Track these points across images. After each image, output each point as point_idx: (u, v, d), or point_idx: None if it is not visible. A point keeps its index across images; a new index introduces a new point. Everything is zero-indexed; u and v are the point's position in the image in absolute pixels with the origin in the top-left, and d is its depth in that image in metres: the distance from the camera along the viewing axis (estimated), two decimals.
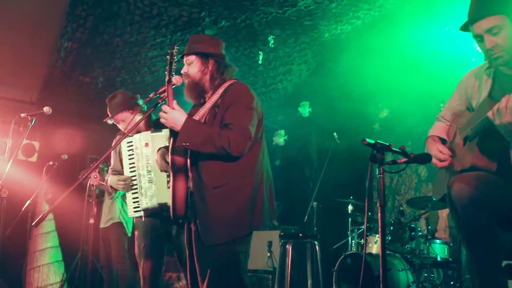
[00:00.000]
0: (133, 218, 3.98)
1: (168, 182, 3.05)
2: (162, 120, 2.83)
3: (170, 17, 5.64)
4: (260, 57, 6.58)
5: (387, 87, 6.60)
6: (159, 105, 2.95)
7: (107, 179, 3.99)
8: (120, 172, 4.10)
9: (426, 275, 5.12)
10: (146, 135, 3.72)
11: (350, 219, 6.26)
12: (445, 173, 2.75)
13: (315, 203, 6.69)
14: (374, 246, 5.55)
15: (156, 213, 3.64)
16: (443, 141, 2.84)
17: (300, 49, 6.71)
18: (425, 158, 2.50)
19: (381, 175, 2.40)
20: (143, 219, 3.67)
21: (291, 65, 7.11)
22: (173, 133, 2.85)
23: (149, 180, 3.60)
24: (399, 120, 6.90)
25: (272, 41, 6.26)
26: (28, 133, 4.31)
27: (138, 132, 3.89)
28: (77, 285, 6.44)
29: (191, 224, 2.88)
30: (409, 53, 6.24)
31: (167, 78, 2.89)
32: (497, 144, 2.44)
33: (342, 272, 5.45)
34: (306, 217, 6.88)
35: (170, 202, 2.88)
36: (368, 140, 2.38)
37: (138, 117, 3.97)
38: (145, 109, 4.04)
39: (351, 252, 5.68)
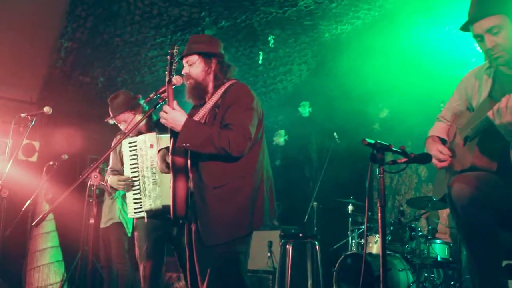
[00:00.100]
0: (133, 218, 3.97)
1: None
2: (162, 120, 2.82)
3: (170, 17, 5.64)
4: (260, 57, 6.59)
5: (387, 87, 6.60)
6: (159, 105, 2.95)
7: (107, 179, 3.99)
8: (120, 172, 4.10)
9: (426, 275, 5.12)
10: (152, 136, 3.71)
11: (350, 219, 6.26)
12: (445, 173, 2.75)
13: (315, 203, 6.69)
14: (374, 246, 5.55)
15: (158, 214, 3.64)
16: (443, 141, 2.84)
17: (300, 49, 6.71)
18: (425, 158, 2.50)
19: (381, 175, 2.40)
20: (145, 220, 3.66)
21: (291, 65, 7.11)
22: (174, 134, 2.85)
23: (154, 182, 3.60)
24: (399, 120, 6.90)
25: (272, 41, 6.26)
26: (28, 133, 4.31)
27: (140, 132, 3.89)
28: (77, 285, 6.44)
29: (191, 225, 2.88)
30: (409, 53, 6.24)
31: (167, 78, 2.89)
32: (497, 144, 2.44)
33: (343, 272, 5.45)
34: (306, 217, 6.88)
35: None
36: (368, 140, 2.38)
37: (140, 117, 3.97)
38: (147, 109, 4.04)
39: (351, 252, 5.68)
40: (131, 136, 3.87)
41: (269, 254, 6.56)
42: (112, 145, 4.17)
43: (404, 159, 2.43)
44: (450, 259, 5.15)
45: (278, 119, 8.64)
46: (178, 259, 3.80)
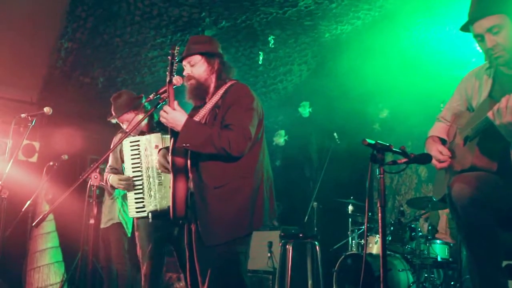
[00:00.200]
0: (133, 218, 3.97)
1: None
2: (162, 120, 2.83)
3: (170, 17, 5.64)
4: (261, 57, 6.58)
5: (387, 87, 6.60)
6: (160, 105, 2.95)
7: (108, 178, 3.97)
8: (119, 171, 4.09)
9: (426, 275, 5.12)
10: (157, 137, 3.70)
11: (350, 219, 6.26)
12: (445, 174, 2.75)
13: (315, 203, 6.69)
14: (375, 247, 5.55)
15: (159, 215, 3.63)
16: (443, 142, 2.84)
17: (301, 49, 6.71)
18: (425, 159, 2.50)
19: (382, 175, 2.40)
20: (149, 220, 3.64)
21: (291, 65, 7.11)
22: (174, 134, 2.86)
23: (159, 183, 3.59)
24: (399, 120, 6.90)
25: (272, 42, 6.26)
26: (28, 133, 4.31)
27: (142, 132, 3.89)
28: (77, 285, 6.44)
29: (191, 225, 2.88)
30: (409, 53, 6.24)
31: (168, 79, 2.89)
32: (497, 144, 2.44)
33: (343, 272, 5.45)
34: (307, 217, 6.88)
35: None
36: (369, 141, 2.38)
37: (141, 117, 3.97)
38: (149, 109, 4.03)
39: (351, 252, 5.68)
40: (133, 136, 3.87)
41: (269, 254, 6.56)
42: (112, 144, 4.18)
43: (404, 160, 2.43)
44: (450, 259, 5.15)
45: (278, 119, 8.64)
46: (178, 259, 3.80)
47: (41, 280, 6.08)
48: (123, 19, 5.63)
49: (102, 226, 5.04)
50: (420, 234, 5.19)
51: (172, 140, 2.92)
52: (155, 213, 3.62)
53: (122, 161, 4.02)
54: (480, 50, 2.60)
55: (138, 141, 3.73)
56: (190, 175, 2.86)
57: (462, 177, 2.42)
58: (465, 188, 2.34)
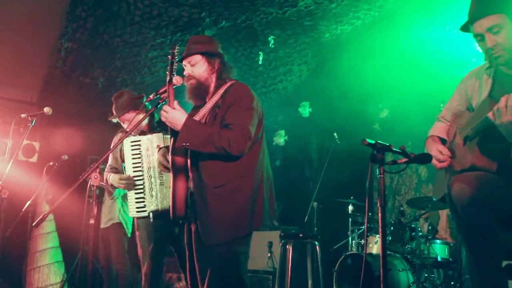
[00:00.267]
0: (133, 218, 3.96)
1: None
2: (162, 119, 2.84)
3: (170, 17, 5.64)
4: (260, 58, 6.58)
5: (387, 87, 6.60)
6: (160, 105, 2.95)
7: (108, 177, 3.97)
8: (119, 170, 4.09)
9: (426, 275, 5.12)
10: (159, 137, 3.70)
11: (350, 219, 6.26)
12: (445, 173, 2.75)
13: (315, 203, 6.69)
14: (375, 246, 5.55)
15: (161, 215, 3.62)
16: (443, 141, 2.84)
17: (300, 49, 6.71)
18: (425, 158, 2.50)
19: (382, 175, 2.40)
20: (151, 220, 3.64)
21: (291, 66, 7.11)
22: (174, 133, 2.86)
23: (161, 183, 3.58)
24: (399, 120, 6.90)
25: (272, 42, 6.26)
26: (28, 133, 4.31)
27: (143, 132, 3.88)
28: (77, 285, 6.44)
29: (191, 225, 2.88)
30: (409, 53, 6.24)
31: (168, 78, 2.89)
32: (497, 144, 2.44)
33: (343, 272, 5.45)
34: (307, 217, 6.88)
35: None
36: (369, 140, 2.38)
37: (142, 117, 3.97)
38: (150, 109, 4.03)
39: (351, 252, 5.68)
40: (134, 135, 3.87)
41: (269, 254, 6.56)
42: (113, 143, 4.17)
43: (404, 159, 2.43)
44: (450, 259, 5.15)
45: (278, 119, 8.64)
46: (178, 259, 3.79)
47: (41, 280, 6.08)
48: (123, 19, 5.63)
49: (102, 226, 5.04)
50: (420, 234, 5.19)
51: (172, 140, 2.92)
52: (156, 213, 3.61)
53: (123, 161, 4.01)
54: (480, 50, 2.60)
55: (139, 141, 3.73)
56: (190, 174, 2.86)
57: (462, 177, 2.42)
58: (465, 188, 2.33)
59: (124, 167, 3.94)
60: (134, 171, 3.74)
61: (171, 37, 6.03)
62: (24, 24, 5.71)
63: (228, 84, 2.96)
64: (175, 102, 2.83)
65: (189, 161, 2.86)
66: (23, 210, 4.77)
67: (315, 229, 6.50)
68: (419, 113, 6.08)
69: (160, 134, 3.71)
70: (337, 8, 5.69)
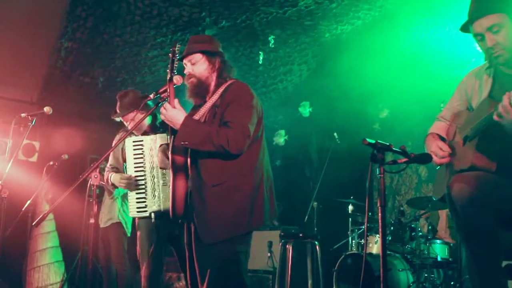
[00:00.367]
0: (134, 218, 3.95)
1: None
2: (161, 117, 2.85)
3: (170, 17, 5.64)
4: (261, 57, 6.58)
5: (387, 87, 6.60)
6: (160, 104, 2.95)
7: (109, 176, 3.96)
8: (120, 170, 4.08)
9: (426, 275, 5.12)
10: (162, 137, 3.69)
11: (350, 219, 6.26)
12: (445, 173, 2.74)
13: (315, 203, 6.68)
14: (375, 246, 5.55)
15: (163, 215, 3.61)
16: (442, 140, 2.84)
17: (301, 49, 6.71)
18: (425, 158, 2.50)
19: (382, 175, 2.40)
20: (152, 220, 3.63)
21: (291, 65, 7.10)
22: (174, 132, 2.86)
23: (164, 183, 3.57)
24: (399, 120, 6.90)
25: (272, 41, 6.26)
26: (28, 133, 4.30)
27: (145, 132, 3.88)
28: (77, 285, 6.44)
29: (191, 224, 2.88)
30: (409, 53, 6.24)
31: (168, 76, 2.89)
32: (497, 144, 2.44)
33: (343, 272, 5.45)
34: (307, 217, 6.88)
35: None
36: (369, 140, 2.38)
37: (147, 117, 3.97)
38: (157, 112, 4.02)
39: (351, 252, 5.68)
40: (136, 135, 3.87)
41: (269, 254, 6.56)
42: (114, 142, 4.17)
43: (405, 159, 2.43)
44: (450, 259, 5.15)
45: (278, 119, 8.64)
46: (178, 259, 3.79)
47: (41, 280, 6.08)
48: (123, 19, 5.63)
49: (101, 225, 5.04)
50: (420, 234, 5.20)
51: (172, 138, 2.92)
52: (158, 213, 3.60)
53: (124, 161, 4.00)
54: (480, 50, 2.60)
55: (142, 141, 3.71)
56: (189, 173, 2.86)
57: (462, 176, 2.42)
58: (464, 187, 2.33)
59: (126, 167, 3.93)
60: (135, 171, 3.72)
61: (172, 37, 6.04)
62: (24, 24, 5.71)
63: (228, 83, 2.96)
64: (176, 101, 2.84)
65: (189, 159, 2.86)
66: (23, 209, 4.77)
67: (315, 229, 6.50)
68: (419, 113, 6.08)
69: (164, 135, 3.69)
70: (337, 8, 5.69)
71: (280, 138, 8.52)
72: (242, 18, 5.78)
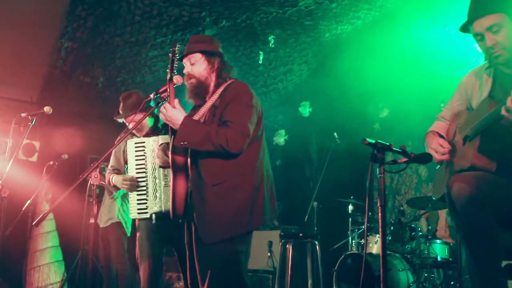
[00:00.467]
0: (135, 218, 3.94)
1: None
2: (161, 117, 2.86)
3: (170, 17, 5.64)
4: (261, 57, 6.58)
5: (388, 87, 6.60)
6: (160, 103, 2.96)
7: (111, 178, 3.95)
8: (121, 171, 4.08)
9: (426, 275, 5.12)
10: (164, 138, 3.69)
11: (350, 219, 6.26)
12: (445, 173, 2.74)
13: (315, 203, 6.68)
14: (375, 246, 5.55)
15: (164, 216, 3.61)
16: (442, 138, 2.83)
17: (301, 49, 6.71)
18: (425, 158, 2.50)
19: (382, 175, 2.40)
20: (153, 221, 3.62)
21: (291, 65, 7.10)
22: (174, 132, 2.86)
23: (165, 185, 3.57)
24: (399, 120, 6.90)
25: (272, 41, 6.26)
26: (28, 133, 4.30)
27: (147, 134, 3.88)
28: (77, 285, 6.44)
29: (191, 224, 2.88)
30: (409, 53, 6.24)
31: (168, 76, 2.89)
32: (497, 144, 2.44)
33: (343, 272, 5.45)
34: (307, 217, 6.88)
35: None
36: (369, 140, 2.38)
37: (150, 119, 3.97)
38: (156, 111, 4.02)
39: (351, 252, 5.68)
40: (138, 137, 3.87)
41: (269, 254, 6.56)
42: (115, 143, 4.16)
43: (405, 159, 2.43)
44: (450, 259, 5.15)
45: (278, 119, 8.64)
46: (178, 259, 3.79)
47: (41, 280, 6.08)
48: (123, 19, 5.63)
49: (101, 225, 5.03)
50: (420, 234, 5.20)
51: (172, 138, 2.92)
52: (159, 215, 3.60)
53: (125, 162, 3.99)
54: (480, 50, 2.60)
55: (144, 142, 3.71)
56: (189, 173, 2.86)
57: (461, 176, 2.42)
58: (464, 187, 2.33)
59: (127, 169, 3.93)
60: (137, 173, 3.71)
61: (172, 37, 6.04)
62: (24, 24, 5.71)
63: (227, 82, 2.96)
64: (176, 101, 2.84)
65: (189, 159, 2.86)
66: (23, 209, 4.77)
67: (315, 228, 6.49)
68: (419, 113, 6.08)
69: (166, 136, 3.68)
70: (337, 8, 5.69)
71: (280, 138, 8.53)
72: (242, 18, 5.78)
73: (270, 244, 6.58)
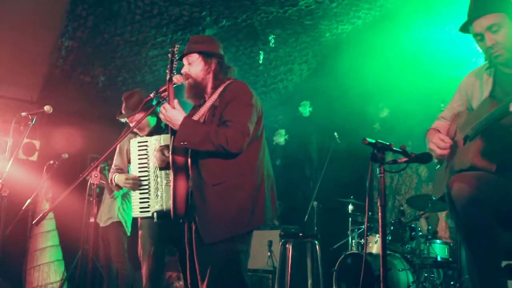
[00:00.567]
0: (137, 217, 3.94)
1: None
2: (161, 117, 2.86)
3: (170, 16, 5.64)
4: (261, 57, 6.58)
5: (388, 86, 6.60)
6: (160, 103, 2.96)
7: (114, 177, 3.96)
8: (125, 170, 4.09)
9: (426, 275, 5.12)
10: (167, 137, 3.70)
11: (350, 218, 6.26)
12: (445, 173, 2.75)
13: (315, 202, 6.68)
14: (375, 246, 5.55)
15: (166, 215, 3.61)
16: None
17: (301, 48, 6.71)
18: (425, 158, 2.49)
19: (382, 175, 2.40)
20: (155, 220, 3.63)
21: (291, 65, 7.10)
22: (174, 132, 2.87)
23: (167, 184, 3.58)
24: (399, 119, 6.89)
25: (272, 41, 6.26)
26: (28, 132, 4.30)
27: (151, 133, 3.88)
28: (77, 284, 6.45)
29: (191, 224, 2.89)
30: (409, 52, 6.24)
31: (168, 77, 2.90)
32: (497, 145, 2.44)
33: (342, 271, 5.45)
34: (307, 216, 6.88)
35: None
36: (369, 140, 2.38)
37: (152, 118, 3.99)
38: (158, 110, 4.03)
39: (351, 251, 5.68)
40: (140, 136, 3.88)
41: (269, 253, 6.56)
42: (119, 143, 4.16)
43: (405, 159, 2.43)
44: (450, 259, 5.15)
45: (279, 119, 8.64)
46: (179, 258, 3.79)
47: (41, 279, 6.09)
48: (123, 18, 5.63)
49: (101, 225, 5.04)
50: (420, 233, 5.20)
51: (172, 139, 2.93)
52: (160, 213, 3.60)
53: (128, 162, 4.00)
54: (480, 50, 2.60)
55: (146, 141, 3.72)
56: (190, 173, 2.86)
57: (462, 176, 2.42)
58: (464, 187, 2.33)
59: (130, 168, 3.94)
60: (139, 171, 3.73)
61: (172, 36, 6.04)
62: (25, 23, 5.71)
63: (227, 82, 2.97)
64: (175, 101, 2.84)
65: (189, 159, 2.87)
66: (23, 208, 4.77)
67: (315, 228, 6.49)
68: (419, 113, 6.08)
69: (169, 135, 3.70)
70: (337, 8, 5.69)
71: (280, 138, 8.53)
72: (242, 17, 5.78)
73: (270, 243, 6.59)
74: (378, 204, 2.40)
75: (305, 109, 7.83)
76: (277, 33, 6.23)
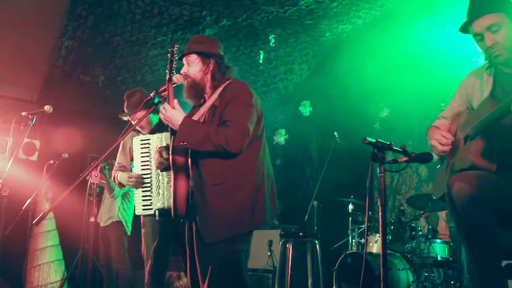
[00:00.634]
0: (140, 216, 3.95)
1: None
2: (161, 117, 2.86)
3: (171, 16, 5.64)
4: (261, 56, 6.58)
5: (388, 86, 6.60)
6: (160, 103, 2.96)
7: (116, 175, 3.97)
8: (128, 169, 4.10)
9: (426, 274, 5.12)
10: (168, 136, 3.70)
11: (350, 218, 6.26)
12: (445, 172, 2.75)
13: (315, 202, 6.69)
14: (375, 246, 5.55)
15: (167, 213, 3.61)
16: None
17: (301, 48, 6.71)
18: (426, 157, 2.50)
19: (382, 174, 2.40)
20: (156, 218, 3.64)
21: (292, 65, 7.10)
22: (174, 132, 2.87)
23: (168, 181, 3.58)
24: (399, 119, 6.89)
25: (273, 40, 6.26)
26: (28, 131, 4.30)
27: (153, 131, 3.89)
28: (77, 283, 6.45)
29: (192, 223, 2.89)
30: (409, 52, 6.24)
31: (167, 77, 2.90)
32: (497, 144, 2.44)
33: (343, 271, 5.45)
34: (307, 216, 6.88)
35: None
36: (369, 139, 2.38)
37: (154, 116, 4.00)
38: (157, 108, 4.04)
39: (351, 251, 5.68)
40: (143, 134, 3.90)
41: (269, 253, 6.57)
42: (122, 142, 4.17)
43: (405, 158, 2.43)
44: (450, 258, 5.15)
45: (279, 118, 8.64)
46: (182, 256, 3.79)
47: (41, 278, 6.09)
48: (123, 18, 5.63)
49: (102, 224, 5.04)
50: (420, 233, 5.20)
51: (172, 139, 2.93)
52: (162, 211, 3.62)
53: (131, 159, 4.02)
54: (480, 50, 2.60)
55: (149, 139, 3.74)
56: (190, 173, 2.87)
57: (462, 176, 2.42)
58: (465, 187, 2.33)
59: (133, 165, 3.96)
60: (142, 170, 3.75)
61: (172, 36, 6.04)
62: (25, 23, 5.71)
63: (227, 82, 2.97)
64: (175, 101, 2.84)
65: (189, 159, 2.87)
66: (23, 208, 4.77)
67: (315, 228, 6.50)
68: (419, 113, 6.08)
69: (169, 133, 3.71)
70: (338, 7, 5.69)
71: (281, 137, 8.53)
72: (242, 17, 5.77)
73: (270, 243, 6.59)
74: (378, 203, 2.41)
75: (305, 109, 7.83)
76: (277, 32, 6.23)
